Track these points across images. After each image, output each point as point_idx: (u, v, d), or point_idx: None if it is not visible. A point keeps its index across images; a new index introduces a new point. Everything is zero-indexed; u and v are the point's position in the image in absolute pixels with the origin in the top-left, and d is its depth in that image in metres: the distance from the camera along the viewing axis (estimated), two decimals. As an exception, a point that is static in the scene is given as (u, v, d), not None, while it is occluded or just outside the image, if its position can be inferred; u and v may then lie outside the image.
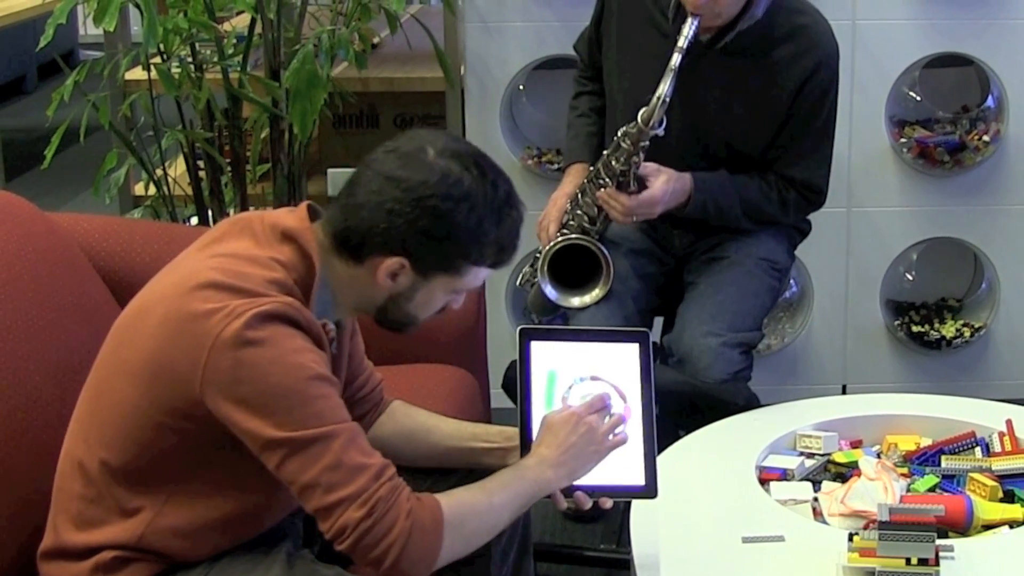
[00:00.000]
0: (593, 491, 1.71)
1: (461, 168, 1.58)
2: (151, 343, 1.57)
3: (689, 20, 2.23)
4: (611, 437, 1.72)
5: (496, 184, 1.61)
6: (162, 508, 1.59)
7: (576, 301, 2.39)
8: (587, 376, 1.76)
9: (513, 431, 1.77)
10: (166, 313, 1.56)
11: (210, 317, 1.51)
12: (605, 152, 2.35)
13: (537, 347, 1.76)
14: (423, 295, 1.64)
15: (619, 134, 2.31)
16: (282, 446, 1.51)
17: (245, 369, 1.50)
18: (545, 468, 1.67)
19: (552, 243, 2.40)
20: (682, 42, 2.22)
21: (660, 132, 2.27)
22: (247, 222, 1.65)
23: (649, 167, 2.32)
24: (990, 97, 3.14)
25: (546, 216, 2.46)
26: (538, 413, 1.74)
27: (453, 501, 1.59)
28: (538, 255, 2.43)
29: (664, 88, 2.23)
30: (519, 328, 1.78)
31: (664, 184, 2.32)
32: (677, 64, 2.22)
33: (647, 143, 2.28)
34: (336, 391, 1.57)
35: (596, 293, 2.38)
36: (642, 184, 2.32)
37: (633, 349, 1.77)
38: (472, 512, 1.60)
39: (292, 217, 1.64)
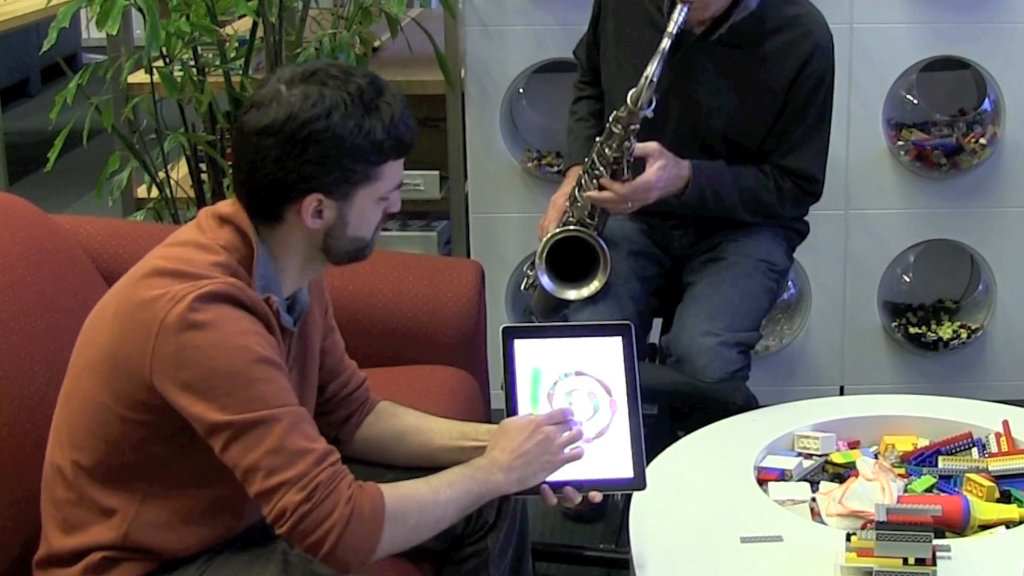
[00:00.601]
0: (581, 485, 1.72)
1: (316, 86, 1.57)
2: (107, 337, 1.58)
3: (679, 7, 2.25)
4: (567, 451, 1.72)
5: (355, 82, 1.59)
6: (140, 504, 1.60)
7: (572, 294, 2.40)
8: (571, 372, 1.77)
9: None
10: (117, 306, 1.58)
11: (155, 303, 1.53)
12: (598, 140, 2.36)
13: (521, 345, 1.77)
14: (354, 215, 1.62)
15: (610, 119, 2.31)
16: (224, 429, 1.51)
17: (188, 352, 1.51)
18: (496, 471, 1.68)
19: (551, 234, 2.41)
20: (671, 27, 2.23)
21: (649, 113, 2.27)
22: (196, 217, 1.67)
23: (649, 146, 2.32)
24: (987, 100, 3.15)
25: (546, 217, 2.47)
26: (524, 411, 1.75)
27: (397, 493, 1.58)
28: (537, 254, 2.44)
29: (652, 69, 2.24)
30: (502, 327, 1.78)
31: (659, 170, 2.32)
32: (666, 48, 2.23)
33: (637, 126, 2.28)
34: (282, 374, 1.57)
35: (594, 286, 2.39)
36: (639, 167, 2.33)
37: (616, 343, 1.78)
38: (415, 506, 1.60)
39: (230, 203, 1.65)
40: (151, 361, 1.52)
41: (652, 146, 2.33)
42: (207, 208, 1.67)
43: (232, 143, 1.62)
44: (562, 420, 1.73)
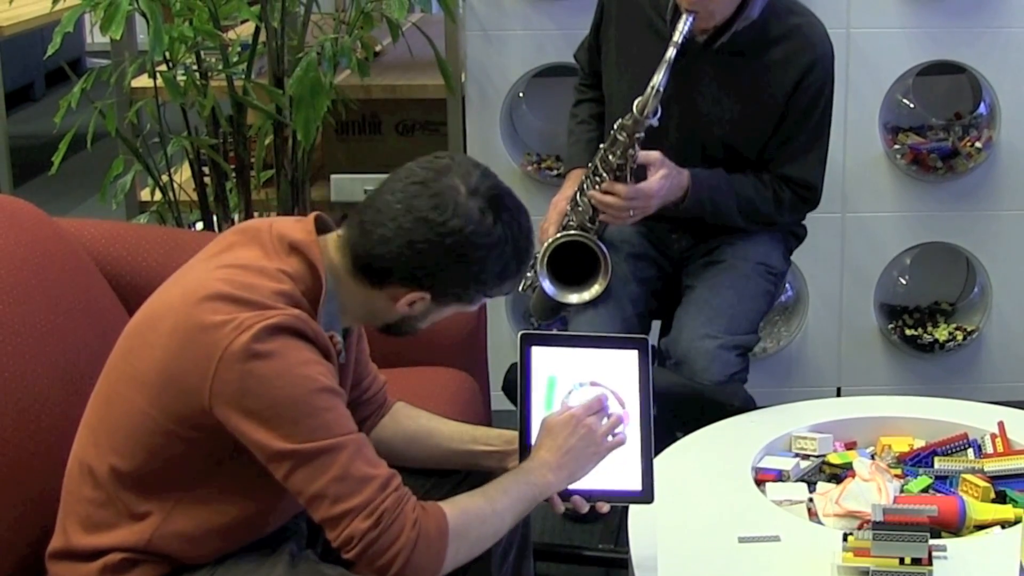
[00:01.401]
0: (590, 495, 1.74)
1: (493, 213, 1.60)
2: (161, 353, 1.58)
3: (684, 16, 2.26)
4: (609, 438, 1.74)
5: (520, 224, 1.64)
6: (170, 513, 1.61)
7: (574, 298, 2.42)
8: (586, 381, 1.78)
9: (512, 435, 1.79)
10: (175, 324, 1.57)
11: (219, 329, 1.53)
12: (602, 147, 2.37)
13: (538, 352, 1.78)
14: (434, 317, 1.69)
15: (615, 127, 2.33)
16: (289, 458, 1.53)
17: (253, 381, 1.52)
18: (545, 472, 1.70)
19: (551, 239, 2.42)
20: (677, 36, 2.25)
21: (655, 122, 2.29)
22: (256, 231, 1.66)
23: (651, 155, 2.33)
24: (982, 104, 3.17)
25: (547, 220, 2.48)
26: (538, 417, 1.76)
27: (457, 509, 1.61)
28: (538, 258, 2.46)
29: (658, 78, 2.25)
30: (520, 333, 1.80)
31: (661, 179, 2.34)
32: (672, 57, 2.25)
33: (642, 135, 2.30)
34: (343, 402, 1.59)
35: (595, 289, 2.40)
36: (640, 175, 2.34)
37: (632, 355, 1.79)
38: (476, 519, 1.62)
39: (300, 229, 1.65)
40: (211, 386, 1.53)
41: (655, 155, 2.34)
42: (274, 225, 1.66)
43: (383, 198, 1.61)
44: (600, 409, 1.75)
